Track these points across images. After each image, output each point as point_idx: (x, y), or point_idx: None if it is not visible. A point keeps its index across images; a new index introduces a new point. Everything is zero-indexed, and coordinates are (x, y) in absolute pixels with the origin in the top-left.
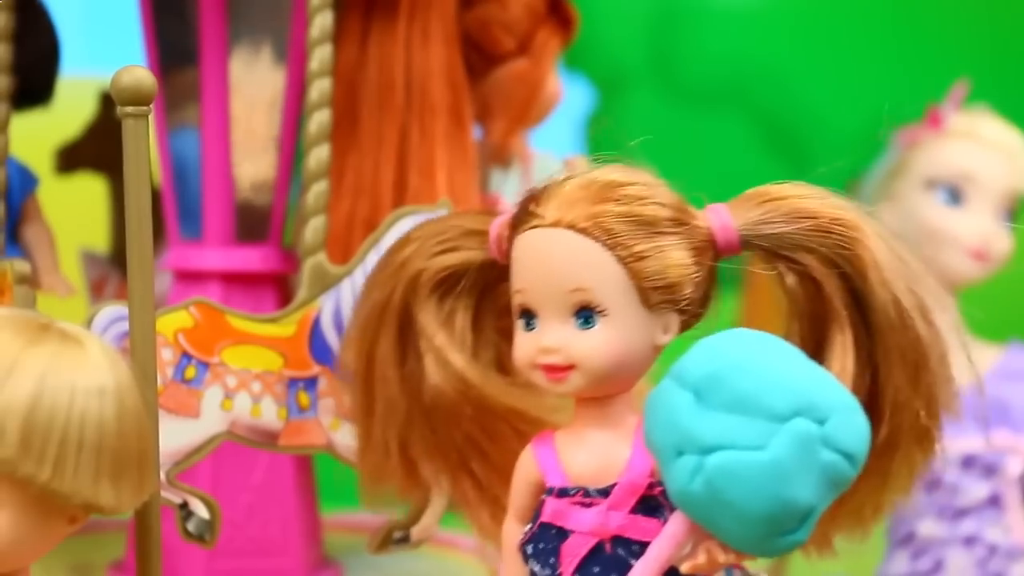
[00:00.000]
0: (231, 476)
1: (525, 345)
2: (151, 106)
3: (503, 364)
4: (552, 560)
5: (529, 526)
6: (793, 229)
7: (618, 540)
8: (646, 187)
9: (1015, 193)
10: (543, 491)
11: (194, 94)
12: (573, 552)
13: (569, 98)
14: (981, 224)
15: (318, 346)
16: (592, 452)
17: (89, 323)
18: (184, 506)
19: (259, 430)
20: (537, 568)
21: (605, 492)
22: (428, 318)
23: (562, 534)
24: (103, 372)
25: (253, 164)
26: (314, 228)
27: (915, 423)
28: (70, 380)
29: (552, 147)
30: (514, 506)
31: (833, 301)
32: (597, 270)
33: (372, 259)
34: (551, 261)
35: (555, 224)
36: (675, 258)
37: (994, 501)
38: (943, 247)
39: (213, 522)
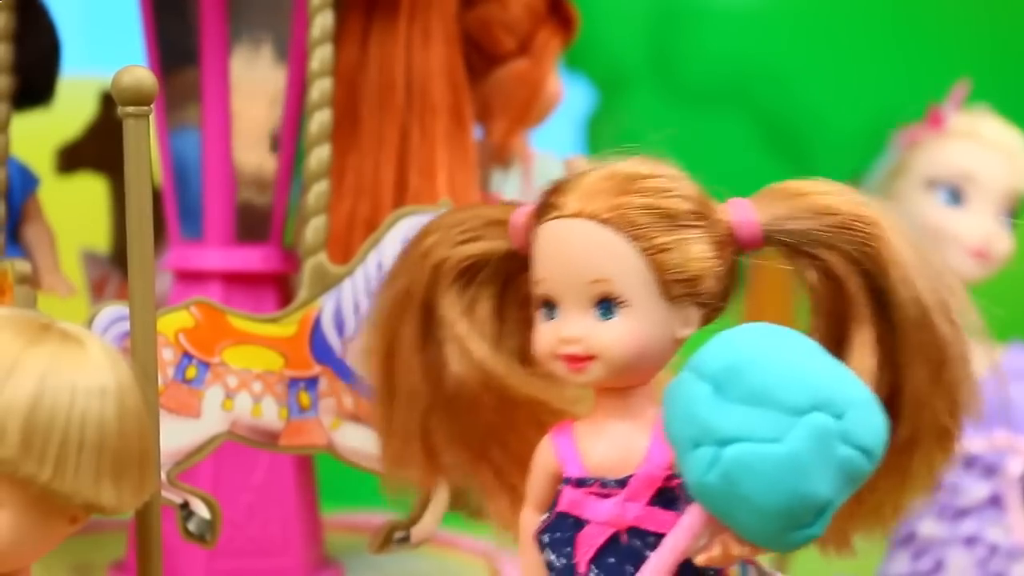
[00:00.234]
0: (232, 476)
1: (546, 335)
2: (152, 106)
3: (524, 354)
4: (568, 550)
5: (546, 515)
6: (815, 225)
7: (634, 531)
8: (669, 180)
9: (1016, 193)
10: (561, 481)
11: (195, 94)
12: (589, 542)
13: (570, 98)
14: (982, 224)
15: (319, 346)
16: (611, 443)
17: (90, 323)
18: (185, 506)
19: (260, 430)
20: (553, 557)
21: (622, 483)
22: (450, 307)
23: (578, 524)
24: (104, 372)
25: (254, 164)
26: (315, 228)
27: (935, 422)
28: (71, 380)
29: (553, 147)
30: (532, 495)
31: (854, 298)
32: (618, 261)
33: (372, 259)
34: (572, 251)
35: (577, 214)
36: (696, 251)
37: (995, 501)
38: (944, 247)
39: (214, 522)
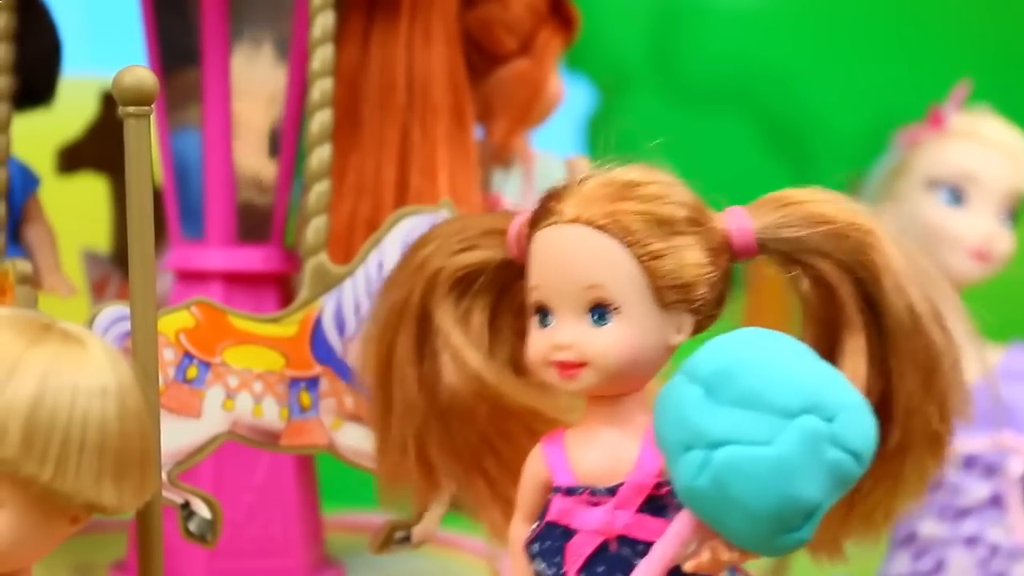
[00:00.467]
0: (233, 476)
1: (539, 342)
2: (153, 106)
3: (519, 364)
4: (557, 559)
5: (535, 525)
6: (809, 233)
7: (623, 540)
8: (665, 187)
9: (1017, 193)
10: (551, 490)
11: (196, 94)
12: (578, 551)
13: (571, 98)
14: (983, 224)
15: (320, 346)
16: (601, 450)
17: (91, 323)
18: (186, 506)
19: (261, 430)
20: (542, 567)
21: (612, 491)
22: (445, 317)
23: (568, 533)
24: (105, 372)
25: (255, 164)
26: (316, 228)
27: (927, 428)
28: (72, 380)
29: (554, 147)
30: (521, 505)
31: (847, 306)
32: (613, 267)
33: (374, 259)
34: (567, 257)
35: (573, 221)
36: (691, 258)
37: (996, 501)
38: (944, 247)
39: (215, 522)
